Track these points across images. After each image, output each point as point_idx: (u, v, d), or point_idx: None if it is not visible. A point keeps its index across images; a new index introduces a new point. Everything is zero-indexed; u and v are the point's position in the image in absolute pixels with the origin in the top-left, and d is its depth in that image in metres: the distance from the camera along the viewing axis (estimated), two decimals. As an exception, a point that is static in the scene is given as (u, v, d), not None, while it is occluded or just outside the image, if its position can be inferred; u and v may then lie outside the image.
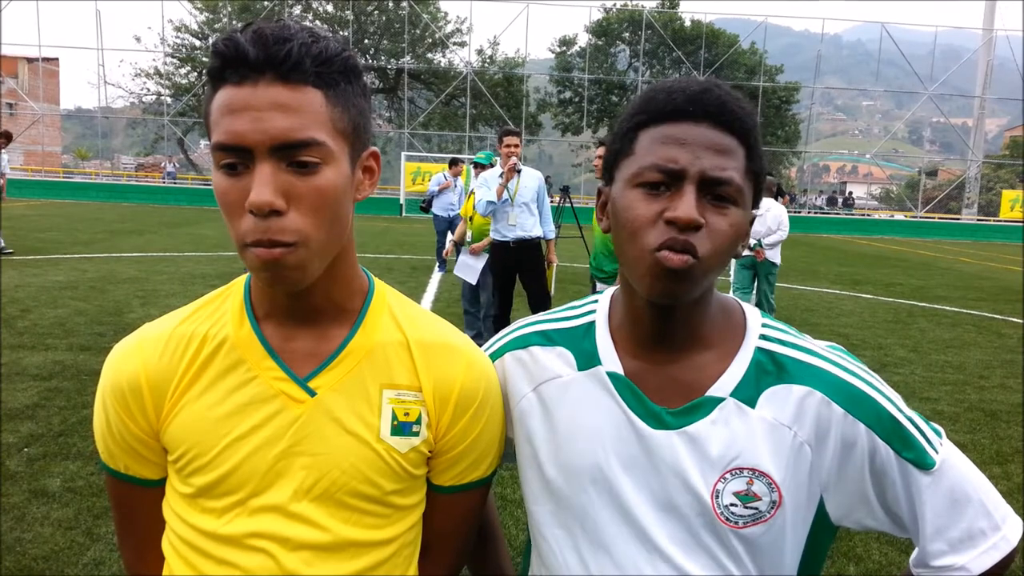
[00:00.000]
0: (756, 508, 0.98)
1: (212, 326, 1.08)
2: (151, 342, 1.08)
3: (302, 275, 0.97)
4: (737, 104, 0.96)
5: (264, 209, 0.91)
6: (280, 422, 1.04)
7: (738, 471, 0.98)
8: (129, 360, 1.08)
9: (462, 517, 1.20)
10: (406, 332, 1.11)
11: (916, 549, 1.06)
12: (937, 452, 1.00)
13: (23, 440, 4.65)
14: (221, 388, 1.05)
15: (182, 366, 1.06)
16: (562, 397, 1.08)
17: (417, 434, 1.09)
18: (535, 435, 1.10)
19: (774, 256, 8.49)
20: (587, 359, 1.08)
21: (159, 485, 1.12)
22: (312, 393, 1.05)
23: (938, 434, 1.03)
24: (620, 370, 1.05)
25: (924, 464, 0.99)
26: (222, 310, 1.10)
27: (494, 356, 1.18)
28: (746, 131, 0.96)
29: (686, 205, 0.92)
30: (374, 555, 1.08)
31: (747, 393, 1.01)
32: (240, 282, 1.12)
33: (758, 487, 0.98)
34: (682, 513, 1.00)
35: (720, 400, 1.01)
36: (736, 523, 0.99)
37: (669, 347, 1.04)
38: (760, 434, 0.99)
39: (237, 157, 0.92)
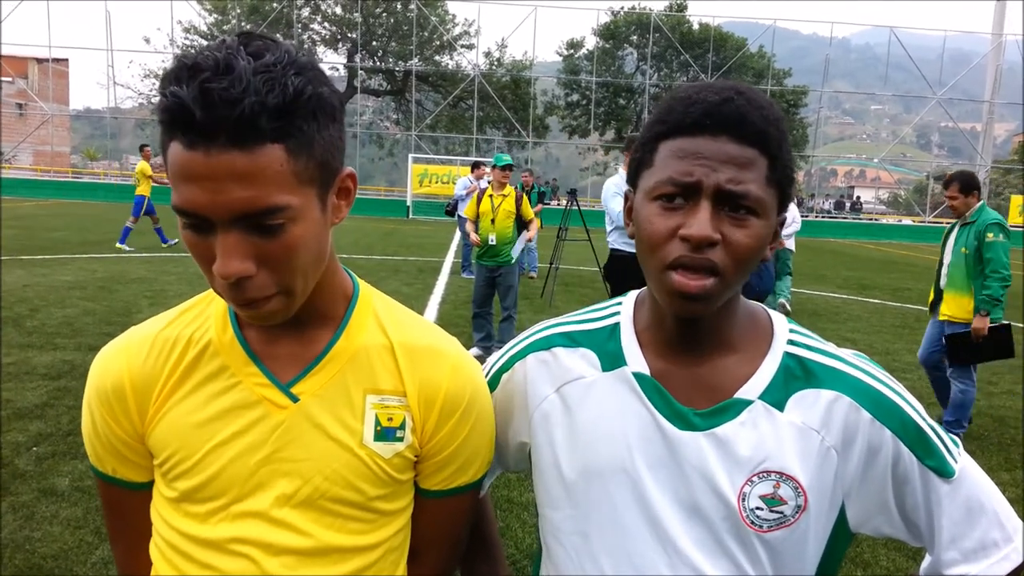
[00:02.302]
0: (781, 512, 0.98)
1: (196, 330, 1.08)
2: (135, 345, 1.08)
3: (285, 314, 0.97)
4: (759, 114, 0.94)
5: (232, 279, 0.89)
6: (262, 428, 1.03)
7: (765, 474, 0.98)
8: (113, 363, 1.08)
9: (451, 521, 1.19)
10: (391, 336, 1.10)
11: (928, 558, 1.06)
12: (956, 461, 1.02)
13: (32, 439, 4.67)
14: (204, 393, 1.05)
15: (166, 370, 1.06)
16: (585, 398, 1.07)
17: (401, 439, 1.08)
18: (556, 437, 1.09)
19: (790, 244, 10.27)
20: (612, 360, 1.07)
21: (147, 488, 1.12)
22: (295, 399, 1.04)
23: (956, 444, 1.04)
24: (646, 370, 1.04)
25: (945, 472, 1.00)
26: (206, 314, 1.10)
27: (516, 357, 1.17)
28: (767, 141, 0.94)
29: (699, 222, 0.92)
30: (359, 560, 1.07)
31: (776, 396, 1.00)
32: None
33: (784, 491, 0.98)
34: (706, 516, 0.99)
35: (749, 402, 1.00)
36: (761, 527, 0.98)
37: (696, 350, 1.04)
38: (788, 437, 0.99)
39: (198, 221, 0.89)
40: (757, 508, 0.98)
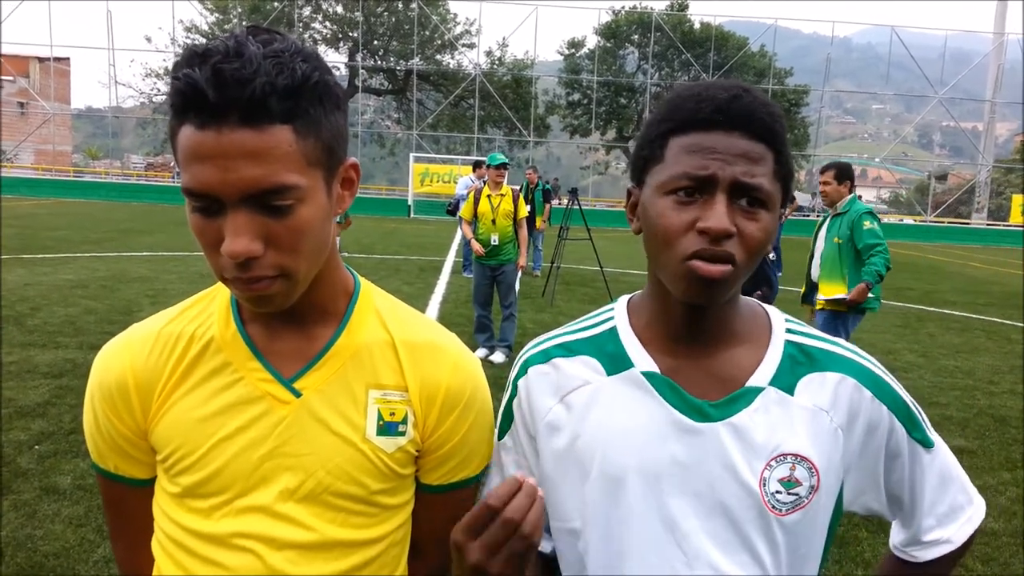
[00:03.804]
0: (797, 494, 1.01)
1: (199, 327, 1.09)
2: (138, 342, 1.09)
3: (285, 300, 0.98)
4: (766, 110, 0.97)
5: (240, 258, 0.90)
6: (266, 423, 1.04)
7: (782, 457, 1.00)
8: (116, 360, 1.09)
9: (452, 516, 1.18)
10: (392, 332, 1.12)
11: (899, 532, 1.14)
12: (932, 433, 1.10)
13: (34, 437, 4.68)
14: (208, 388, 1.06)
15: (169, 366, 1.07)
16: (592, 403, 1.07)
17: (403, 434, 1.09)
18: (566, 447, 1.08)
19: None
20: (616, 363, 1.08)
21: (149, 485, 1.13)
22: (297, 394, 1.05)
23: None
24: (655, 368, 1.05)
25: (927, 443, 1.08)
26: (208, 311, 1.11)
27: (517, 378, 1.16)
28: (775, 136, 0.97)
29: (718, 215, 0.94)
30: (361, 554, 1.08)
31: (785, 381, 1.03)
32: None
33: (800, 472, 1.00)
34: (727, 506, 1.00)
35: (760, 389, 1.02)
36: (780, 510, 1.00)
37: (702, 343, 1.05)
38: (801, 420, 1.02)
39: (208, 203, 0.90)
40: (776, 492, 1.00)
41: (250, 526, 1.04)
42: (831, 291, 5.69)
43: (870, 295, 5.49)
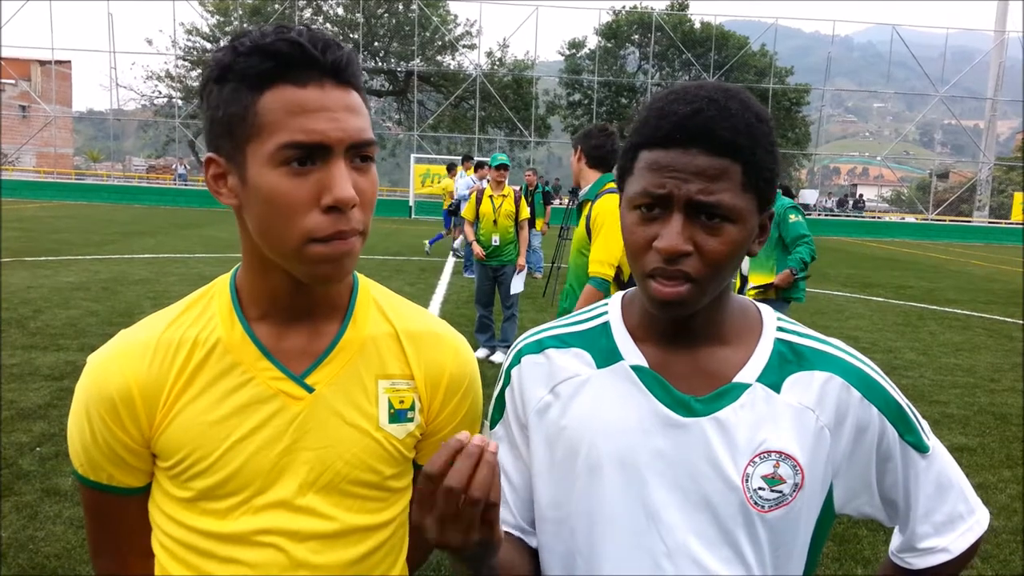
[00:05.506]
0: (780, 491, 1.01)
1: (201, 330, 1.08)
2: (137, 349, 1.07)
3: (353, 264, 1.02)
4: (728, 124, 0.95)
5: (351, 204, 0.96)
6: (280, 420, 1.06)
7: (766, 454, 1.01)
8: (115, 369, 1.06)
9: None
10: (394, 324, 1.16)
11: (898, 537, 1.13)
12: (929, 438, 1.09)
13: (35, 439, 4.70)
14: (217, 391, 1.06)
15: (173, 373, 1.06)
16: (581, 395, 1.09)
17: (411, 420, 1.14)
18: (552, 435, 1.10)
19: None
20: (607, 356, 1.09)
21: (140, 492, 1.12)
22: (310, 389, 1.07)
23: (926, 425, 1.11)
24: (644, 362, 1.07)
25: (922, 447, 1.07)
26: (209, 313, 1.10)
27: (511, 367, 1.18)
28: (738, 150, 0.95)
29: (670, 235, 0.95)
30: (376, 537, 1.13)
31: (772, 379, 1.04)
32: (223, 283, 1.12)
33: (784, 470, 1.01)
34: (711, 502, 1.01)
35: (747, 386, 1.03)
36: (763, 507, 1.01)
37: (691, 342, 1.07)
38: (786, 418, 1.02)
39: (311, 155, 0.94)
40: (759, 488, 1.01)
41: (271, 522, 1.05)
42: (759, 281, 5.96)
43: (797, 285, 5.82)
